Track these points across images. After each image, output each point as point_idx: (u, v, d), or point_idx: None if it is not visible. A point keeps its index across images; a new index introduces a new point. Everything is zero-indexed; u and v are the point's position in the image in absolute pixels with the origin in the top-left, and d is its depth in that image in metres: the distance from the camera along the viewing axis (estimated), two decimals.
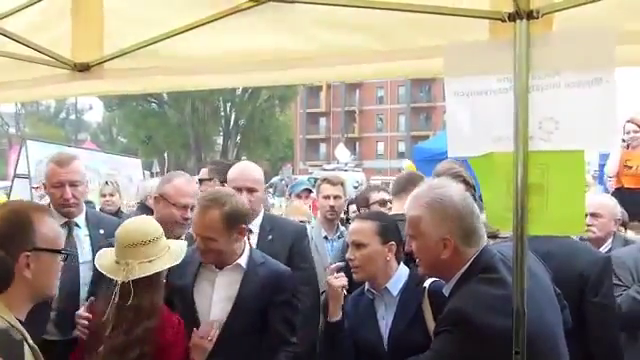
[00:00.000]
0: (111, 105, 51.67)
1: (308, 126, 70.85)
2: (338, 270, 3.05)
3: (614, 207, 4.68)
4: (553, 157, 2.21)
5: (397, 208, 3.98)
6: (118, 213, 6.61)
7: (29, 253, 2.06)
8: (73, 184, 3.63)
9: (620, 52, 2.13)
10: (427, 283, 2.93)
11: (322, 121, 71.77)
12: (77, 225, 3.70)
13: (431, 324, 2.83)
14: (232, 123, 51.51)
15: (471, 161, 2.38)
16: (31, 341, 2.02)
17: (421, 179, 3.92)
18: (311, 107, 70.74)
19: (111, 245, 3.16)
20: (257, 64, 2.89)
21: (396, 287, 2.99)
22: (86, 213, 3.79)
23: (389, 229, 3.06)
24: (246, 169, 4.05)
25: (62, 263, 2.21)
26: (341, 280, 2.98)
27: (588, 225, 4.55)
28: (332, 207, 5.09)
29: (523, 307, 2.21)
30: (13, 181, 10.59)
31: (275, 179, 23.74)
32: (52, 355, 2.50)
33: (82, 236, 3.70)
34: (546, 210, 2.22)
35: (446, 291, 2.53)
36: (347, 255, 3.05)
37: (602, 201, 4.78)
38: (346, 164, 33.04)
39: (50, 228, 2.16)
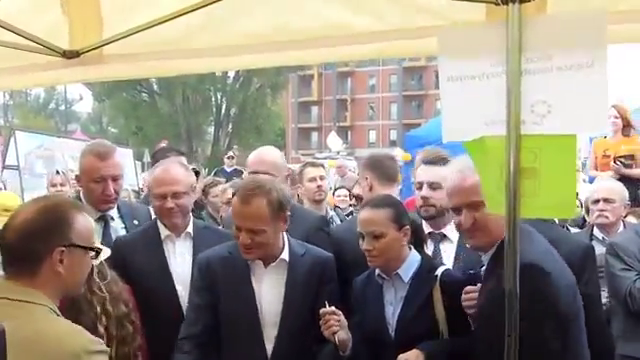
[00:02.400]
0: (101, 95, 51.31)
1: (300, 115, 70.75)
2: (325, 314, 2.80)
3: (623, 192, 4.68)
4: (545, 141, 2.21)
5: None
6: None
7: (64, 248, 2.07)
8: (115, 178, 3.45)
9: (615, 30, 2.14)
10: (439, 271, 2.92)
11: (314, 110, 71.70)
12: (111, 218, 3.56)
13: (440, 313, 2.82)
14: (223, 112, 51.26)
15: (465, 145, 2.38)
16: None
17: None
18: (303, 96, 70.60)
19: None
20: (255, 46, 2.88)
21: (407, 273, 2.95)
22: (118, 205, 3.60)
23: (402, 213, 3.00)
24: (263, 153, 3.83)
25: (92, 261, 2.24)
26: (330, 328, 2.77)
27: (601, 210, 4.56)
28: (320, 187, 5.16)
29: (516, 290, 2.22)
30: (2, 172, 10.51)
31: None
32: None
33: (119, 229, 3.56)
34: (538, 194, 2.22)
35: (486, 259, 2.57)
36: (364, 246, 2.93)
37: (613, 186, 4.77)
38: (338, 152, 32.95)
39: (85, 225, 2.18)
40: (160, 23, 2.81)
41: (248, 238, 2.90)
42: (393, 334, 2.91)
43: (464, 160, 2.56)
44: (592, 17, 2.15)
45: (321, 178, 5.25)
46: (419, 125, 30.53)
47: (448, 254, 3.30)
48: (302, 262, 3.06)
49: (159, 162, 3.69)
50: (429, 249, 3.28)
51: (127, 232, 3.53)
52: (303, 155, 47.41)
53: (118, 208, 3.60)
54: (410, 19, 2.61)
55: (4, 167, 10.31)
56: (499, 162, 2.25)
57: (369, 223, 2.94)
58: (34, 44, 2.97)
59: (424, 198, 3.33)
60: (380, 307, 2.97)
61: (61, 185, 7.12)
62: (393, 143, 57.11)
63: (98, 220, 3.43)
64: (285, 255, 3.05)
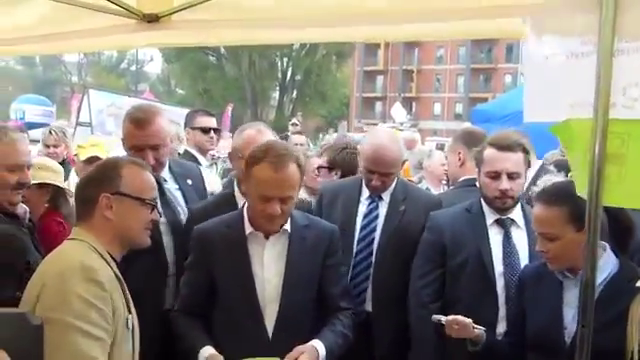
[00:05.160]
0: (170, 57, 52.24)
1: (365, 84, 70.13)
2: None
3: None
4: (635, 126, 2.09)
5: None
6: (64, 165, 5.51)
7: (109, 195, 2.27)
8: (154, 147, 3.18)
9: None
10: None
11: (379, 79, 70.95)
12: (164, 180, 3.31)
13: (634, 335, 2.25)
14: (288, 78, 51.49)
15: (552, 129, 2.26)
16: (117, 271, 2.25)
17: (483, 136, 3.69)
18: (368, 65, 69.92)
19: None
20: (324, 19, 2.83)
21: (599, 275, 2.43)
22: (169, 164, 3.38)
23: (584, 210, 2.39)
24: (381, 152, 3.38)
25: (151, 215, 2.37)
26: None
27: None
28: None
29: (593, 280, 2.14)
30: (75, 129, 10.84)
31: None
32: None
33: (174, 190, 3.36)
34: (624, 181, 2.11)
35: None
36: (537, 247, 2.64)
37: None
38: (402, 124, 32.62)
39: (138, 179, 2.36)
40: None
41: (279, 208, 2.65)
42: (568, 341, 2.52)
43: None
44: None
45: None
46: (486, 99, 29.88)
47: (518, 240, 3.11)
48: (305, 233, 2.83)
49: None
50: (500, 236, 3.11)
51: (182, 193, 3.39)
52: (366, 125, 47.20)
53: (170, 168, 3.41)
54: None
55: (77, 124, 10.62)
56: (585, 146, 2.14)
57: (541, 224, 2.60)
58: (113, 6, 3.00)
59: (503, 191, 3.05)
60: (557, 308, 2.60)
61: (54, 146, 6.66)
62: (458, 116, 56.09)
63: None
64: (287, 226, 2.80)
